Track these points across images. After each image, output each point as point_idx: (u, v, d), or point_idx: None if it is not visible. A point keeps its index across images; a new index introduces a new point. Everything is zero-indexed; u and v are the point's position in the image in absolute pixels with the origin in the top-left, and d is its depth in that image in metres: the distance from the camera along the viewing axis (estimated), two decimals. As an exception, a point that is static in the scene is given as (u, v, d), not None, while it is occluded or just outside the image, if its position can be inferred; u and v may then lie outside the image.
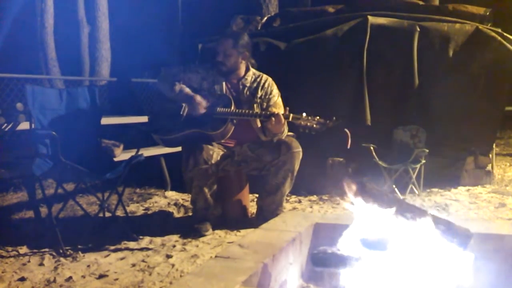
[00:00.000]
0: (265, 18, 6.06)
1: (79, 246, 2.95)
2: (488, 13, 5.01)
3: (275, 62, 4.79)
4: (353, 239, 1.86)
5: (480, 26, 4.70)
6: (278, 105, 3.44)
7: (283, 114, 3.15)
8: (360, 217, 1.93)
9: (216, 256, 1.87)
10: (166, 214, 3.86)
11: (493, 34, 4.62)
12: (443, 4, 5.34)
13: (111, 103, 6.62)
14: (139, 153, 3.34)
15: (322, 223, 2.32)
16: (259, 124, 3.38)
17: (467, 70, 4.63)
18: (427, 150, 4.30)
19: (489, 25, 4.90)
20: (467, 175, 4.75)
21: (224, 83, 3.44)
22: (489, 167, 4.87)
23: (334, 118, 3.08)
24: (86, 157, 3.20)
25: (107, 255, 2.85)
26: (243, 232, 3.26)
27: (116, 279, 2.47)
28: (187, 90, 3.34)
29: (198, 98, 3.30)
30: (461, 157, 4.72)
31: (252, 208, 3.75)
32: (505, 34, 4.66)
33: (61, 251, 2.86)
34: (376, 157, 4.25)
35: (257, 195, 3.62)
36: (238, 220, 3.52)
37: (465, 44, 4.64)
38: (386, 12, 4.96)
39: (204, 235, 3.20)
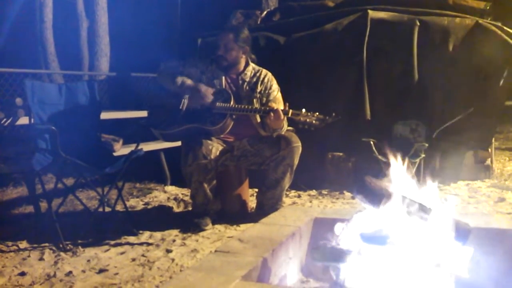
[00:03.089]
0: (265, 13, 6.04)
1: (79, 241, 2.96)
2: (488, 7, 4.99)
3: (275, 57, 4.77)
4: (352, 233, 1.86)
5: (480, 20, 4.68)
6: (277, 100, 3.43)
7: (282, 110, 3.14)
8: (360, 211, 1.93)
9: (216, 251, 1.87)
10: (166, 209, 3.86)
11: (493, 28, 4.60)
12: (443, -2, 5.31)
13: (110, 98, 6.62)
14: (139, 147, 3.33)
15: (321, 218, 2.33)
16: (258, 120, 3.38)
17: (467, 64, 4.61)
18: (427, 145, 4.30)
19: (489, 19, 4.88)
20: (466, 170, 4.75)
21: (223, 78, 3.43)
22: (488, 162, 4.87)
23: (334, 114, 3.08)
24: (86, 152, 3.19)
25: (107, 250, 2.86)
26: (242, 226, 3.26)
27: (116, 274, 2.47)
28: (189, 81, 3.33)
29: (203, 87, 3.29)
30: (460, 152, 4.72)
31: (252, 203, 3.75)
32: (505, 28, 4.64)
33: (61, 245, 2.87)
34: (376, 151, 4.24)
35: (256, 190, 3.63)
36: (238, 214, 3.52)
37: (465, 38, 4.62)
38: (386, 6, 4.94)
39: (203, 230, 3.20)
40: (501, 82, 4.58)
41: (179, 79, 3.33)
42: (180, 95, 3.32)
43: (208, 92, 3.29)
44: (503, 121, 5.60)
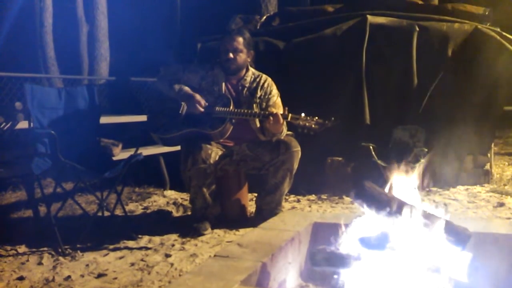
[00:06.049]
0: (264, 17, 6.05)
1: (78, 245, 2.95)
2: (487, 13, 5.01)
3: (274, 62, 4.78)
4: (352, 238, 1.86)
5: (479, 26, 4.70)
6: (277, 105, 3.44)
7: (281, 114, 3.15)
8: (359, 216, 1.93)
9: (215, 255, 1.87)
10: (165, 213, 3.85)
11: (492, 33, 4.62)
12: (442, 4, 5.34)
13: (110, 102, 6.63)
14: (138, 152, 3.33)
15: (321, 223, 2.33)
16: (258, 124, 3.38)
17: (466, 70, 4.63)
18: (426, 150, 4.30)
19: (488, 24, 4.90)
20: (466, 174, 4.75)
21: (223, 83, 3.44)
22: (487, 167, 4.87)
23: (333, 118, 3.08)
24: (85, 156, 3.19)
25: (106, 254, 2.85)
26: (242, 231, 3.26)
27: (115, 278, 2.47)
28: (187, 88, 3.35)
29: (198, 96, 3.31)
30: (460, 157, 4.72)
31: (251, 208, 3.75)
32: (504, 33, 4.66)
33: (60, 250, 2.86)
34: (375, 156, 4.25)
35: (256, 195, 3.62)
36: (237, 219, 3.51)
37: (464, 44, 4.64)
38: (385, 11, 4.96)
39: (203, 234, 3.20)
40: (500, 87, 4.60)
41: (177, 86, 3.35)
42: (179, 100, 3.33)
43: (201, 103, 3.30)
44: (502, 126, 5.60)
